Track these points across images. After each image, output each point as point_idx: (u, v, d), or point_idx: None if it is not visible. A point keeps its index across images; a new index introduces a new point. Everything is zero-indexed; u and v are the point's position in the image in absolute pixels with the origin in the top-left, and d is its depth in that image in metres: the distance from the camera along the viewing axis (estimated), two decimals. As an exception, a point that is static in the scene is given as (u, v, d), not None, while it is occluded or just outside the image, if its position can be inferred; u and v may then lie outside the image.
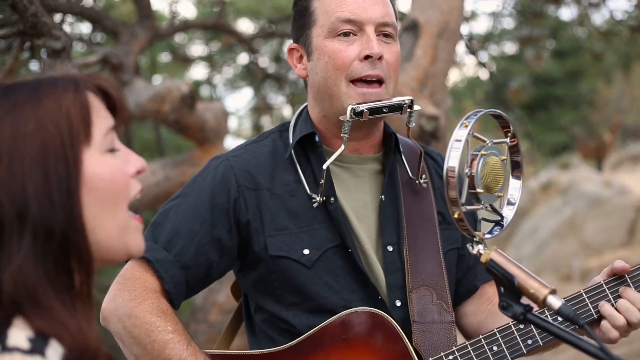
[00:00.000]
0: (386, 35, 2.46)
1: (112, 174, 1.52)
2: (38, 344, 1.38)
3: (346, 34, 2.42)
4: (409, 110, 2.44)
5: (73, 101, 1.50)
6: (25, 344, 1.37)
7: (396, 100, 2.43)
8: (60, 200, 1.44)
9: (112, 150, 1.55)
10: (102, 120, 1.54)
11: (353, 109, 2.38)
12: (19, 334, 1.38)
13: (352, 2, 2.43)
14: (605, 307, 2.32)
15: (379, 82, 2.42)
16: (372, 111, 2.39)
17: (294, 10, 2.57)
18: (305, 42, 2.50)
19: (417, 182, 2.56)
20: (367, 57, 2.40)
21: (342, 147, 2.41)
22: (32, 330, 1.39)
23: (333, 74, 2.42)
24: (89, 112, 1.51)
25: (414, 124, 2.50)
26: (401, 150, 2.57)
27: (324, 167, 2.41)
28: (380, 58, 2.40)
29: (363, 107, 2.38)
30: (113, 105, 1.59)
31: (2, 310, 1.40)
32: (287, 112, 14.11)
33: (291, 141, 2.52)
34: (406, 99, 2.43)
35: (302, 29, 2.51)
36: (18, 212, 1.41)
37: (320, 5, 2.47)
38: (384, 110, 2.41)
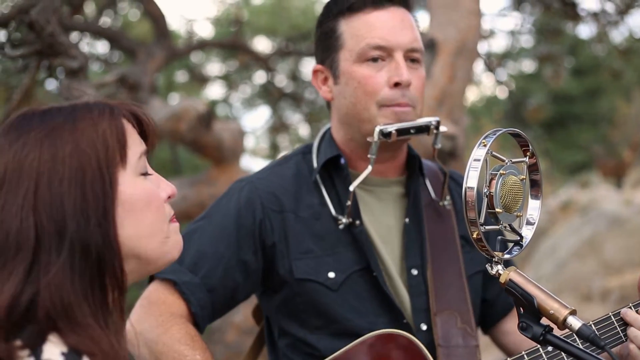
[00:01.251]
0: (413, 61, 2.46)
1: (147, 195, 1.58)
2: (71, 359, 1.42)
3: (375, 60, 2.42)
4: (435, 131, 2.43)
5: (109, 125, 1.56)
6: (59, 359, 1.41)
7: (423, 121, 2.43)
8: (97, 219, 1.50)
9: (145, 174, 1.60)
10: (135, 144, 1.59)
11: (381, 130, 2.37)
12: (53, 349, 1.42)
13: (382, 27, 2.43)
14: (631, 330, 2.22)
15: (407, 106, 2.42)
16: (400, 132, 2.39)
17: (318, 31, 2.55)
18: (332, 65, 2.49)
19: (440, 203, 2.55)
20: (396, 84, 2.39)
21: (369, 168, 2.39)
22: (66, 346, 1.43)
23: (363, 99, 2.41)
24: (125, 135, 1.57)
25: (440, 145, 2.49)
26: (424, 172, 2.56)
27: (351, 189, 2.40)
28: (408, 85, 2.40)
29: (391, 128, 2.37)
30: (144, 131, 1.65)
31: (37, 325, 1.44)
32: (303, 131, 14.13)
33: (315, 163, 2.51)
34: (433, 120, 2.43)
35: (328, 51, 2.49)
36: (57, 230, 1.47)
37: (348, 29, 2.46)
38: (411, 131, 2.40)
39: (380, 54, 2.42)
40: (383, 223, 2.49)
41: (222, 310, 2.47)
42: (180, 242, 1.67)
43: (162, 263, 1.64)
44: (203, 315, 2.39)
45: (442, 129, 2.46)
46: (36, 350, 1.42)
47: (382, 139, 2.38)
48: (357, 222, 2.43)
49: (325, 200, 2.47)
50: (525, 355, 2.28)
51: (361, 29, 2.44)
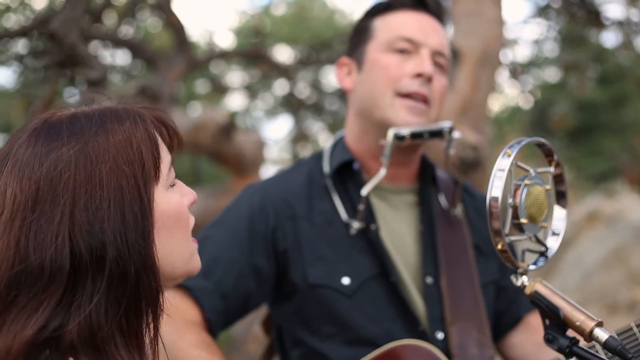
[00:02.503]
0: (438, 65, 2.50)
1: (177, 210, 1.52)
2: None
3: (402, 51, 2.47)
4: (448, 136, 2.43)
5: (142, 138, 1.48)
6: None
7: (437, 125, 2.44)
8: (137, 242, 1.41)
9: (172, 185, 1.54)
10: (165, 156, 1.53)
11: (395, 134, 2.38)
12: None
13: (415, 24, 2.50)
14: None
15: (425, 100, 2.44)
16: (413, 136, 2.40)
17: (353, 31, 2.63)
18: (359, 55, 2.54)
19: (452, 212, 2.54)
20: (418, 76, 2.43)
21: (383, 171, 2.40)
22: None
23: (382, 85, 2.45)
24: (158, 148, 1.50)
25: (453, 152, 2.48)
26: (438, 181, 2.56)
27: (363, 193, 2.40)
28: (430, 79, 2.44)
29: (405, 131, 2.39)
30: (170, 138, 1.58)
31: (56, 354, 1.35)
32: (325, 141, 14.15)
33: (327, 169, 2.51)
34: (446, 124, 2.43)
35: (358, 44, 2.56)
36: (96, 257, 1.38)
37: (382, 24, 2.53)
38: (425, 135, 2.41)
39: (408, 47, 2.47)
40: (396, 230, 2.48)
41: (235, 317, 2.46)
42: (199, 261, 1.61)
43: (184, 277, 1.59)
44: (216, 321, 2.38)
45: (456, 134, 2.46)
46: None
47: (395, 142, 2.39)
48: (373, 226, 2.42)
49: (338, 205, 2.46)
50: None
51: (394, 23, 2.52)
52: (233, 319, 2.47)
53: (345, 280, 2.39)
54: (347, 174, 2.49)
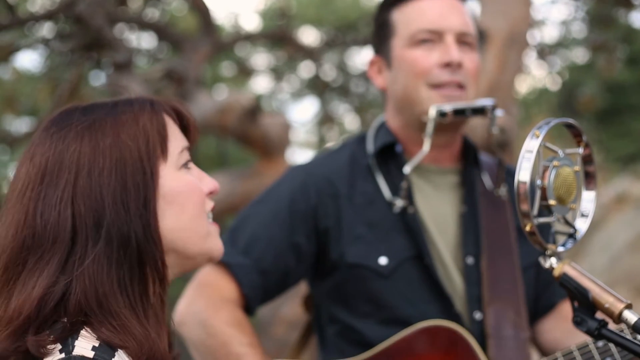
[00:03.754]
0: (465, 44, 2.48)
1: (189, 188, 1.60)
2: (103, 354, 1.43)
3: (426, 41, 2.45)
4: (490, 114, 2.43)
5: (150, 118, 1.58)
6: (90, 354, 1.42)
7: (480, 102, 2.44)
8: (137, 210, 1.51)
9: (187, 168, 1.63)
10: (177, 138, 1.63)
11: (438, 110, 2.37)
12: (85, 344, 1.43)
13: (432, 11, 2.47)
14: None
15: (459, 86, 2.43)
16: (456, 112, 2.39)
17: (375, 24, 2.61)
18: (386, 53, 2.53)
19: (496, 193, 2.53)
20: (447, 65, 2.41)
21: (426, 147, 2.40)
22: (99, 341, 1.44)
23: (413, 81, 2.44)
24: (165, 129, 1.60)
25: (497, 131, 2.48)
26: (480, 162, 2.55)
27: (406, 170, 2.41)
28: (459, 65, 2.42)
29: (448, 107, 2.38)
30: (185, 128, 1.68)
31: (69, 319, 1.45)
32: (350, 123, 14.11)
33: (370, 150, 2.52)
34: (489, 102, 2.42)
35: (382, 40, 2.54)
36: (95, 220, 1.49)
37: (400, 17, 2.50)
38: (467, 112, 2.41)
39: (431, 37, 2.45)
40: (439, 210, 2.49)
41: (273, 293, 2.49)
42: (220, 245, 1.68)
43: (202, 260, 1.66)
44: (254, 296, 2.41)
45: (498, 112, 2.45)
46: (67, 345, 1.42)
47: (438, 119, 2.38)
48: (411, 207, 2.42)
49: (380, 186, 2.46)
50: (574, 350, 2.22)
51: (412, 15, 2.48)
52: (272, 295, 2.50)
53: (383, 260, 2.40)
54: (390, 156, 2.50)
